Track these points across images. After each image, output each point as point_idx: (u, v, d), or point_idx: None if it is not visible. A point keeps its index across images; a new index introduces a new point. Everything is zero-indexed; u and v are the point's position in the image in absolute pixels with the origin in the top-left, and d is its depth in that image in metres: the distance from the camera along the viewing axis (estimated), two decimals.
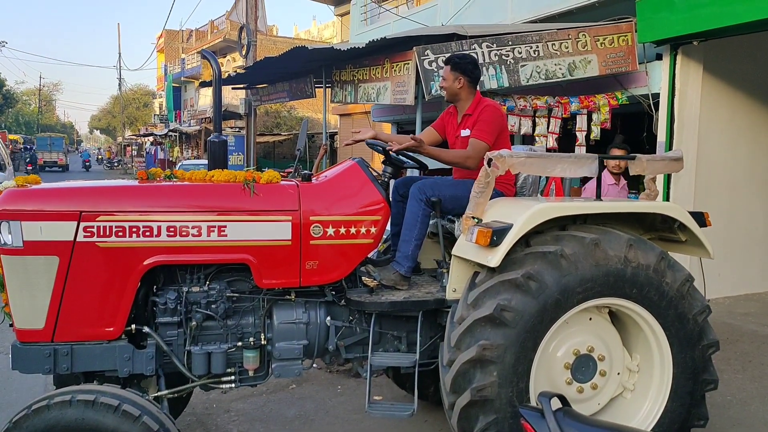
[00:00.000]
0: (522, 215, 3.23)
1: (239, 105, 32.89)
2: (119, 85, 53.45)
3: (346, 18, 27.49)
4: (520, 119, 8.03)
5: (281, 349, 3.65)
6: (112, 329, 3.40)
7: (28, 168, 36.44)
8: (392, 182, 4.08)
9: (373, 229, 3.68)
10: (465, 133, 4.06)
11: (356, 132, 4.14)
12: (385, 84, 8.62)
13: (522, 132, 8.14)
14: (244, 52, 12.54)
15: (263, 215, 3.54)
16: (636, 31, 7.39)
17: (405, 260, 3.85)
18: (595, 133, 8.02)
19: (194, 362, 3.55)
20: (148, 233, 3.37)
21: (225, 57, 39.09)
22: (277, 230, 3.54)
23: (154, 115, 55.27)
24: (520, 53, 7.43)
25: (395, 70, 8.28)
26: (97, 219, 3.31)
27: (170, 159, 32.66)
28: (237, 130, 32.06)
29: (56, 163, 43.36)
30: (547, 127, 8.09)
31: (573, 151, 8.04)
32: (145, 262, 3.40)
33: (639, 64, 7.65)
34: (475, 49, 7.37)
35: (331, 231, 3.60)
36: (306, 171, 3.89)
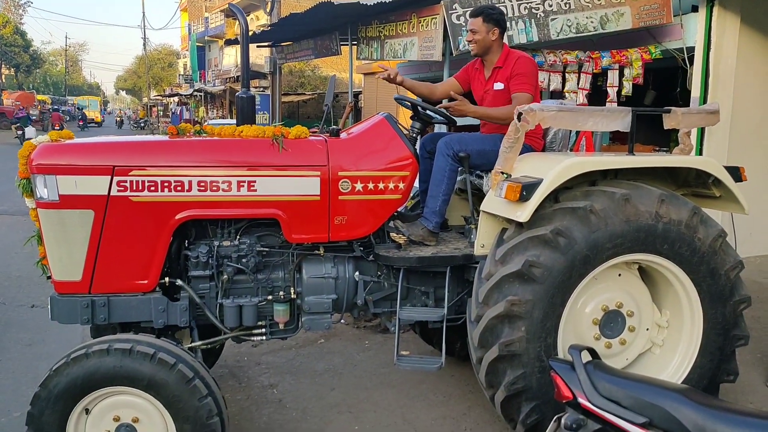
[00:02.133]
0: (552, 170, 3.18)
1: (264, 64, 32.84)
2: (144, 45, 53.40)
3: None
4: (550, 75, 7.85)
5: (311, 303, 3.70)
6: (146, 282, 3.47)
7: (79, 123, 43.38)
8: (419, 138, 4.04)
9: (401, 185, 3.67)
10: (498, 86, 3.96)
11: (384, 71, 4.09)
12: (411, 39, 8.47)
13: (551, 88, 7.97)
14: (268, 9, 12.40)
15: (292, 170, 3.55)
16: None
17: (433, 216, 3.84)
18: (627, 88, 7.80)
19: (226, 315, 3.62)
20: (179, 188, 3.41)
21: (248, 15, 38.73)
22: (306, 185, 3.55)
23: (179, 75, 55.32)
24: (550, 6, 7.23)
25: (422, 25, 8.12)
26: (129, 173, 3.35)
27: (195, 119, 32.76)
28: (261, 89, 31.97)
29: (94, 120, 50.97)
30: (578, 83, 7.91)
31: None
32: (176, 216, 3.45)
33: (674, 16, 7.38)
34: (504, 2, 7.18)
35: (359, 186, 3.60)
36: (334, 126, 3.87)
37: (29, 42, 50.72)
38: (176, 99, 46.82)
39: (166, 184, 3.40)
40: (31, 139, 3.57)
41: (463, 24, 7.12)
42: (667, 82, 8.59)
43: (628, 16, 7.37)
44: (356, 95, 26.78)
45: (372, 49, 9.93)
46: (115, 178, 3.34)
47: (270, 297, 3.70)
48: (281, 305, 3.69)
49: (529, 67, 3.90)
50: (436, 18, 7.74)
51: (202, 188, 3.44)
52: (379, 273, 3.85)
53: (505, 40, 7.25)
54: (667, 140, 7.85)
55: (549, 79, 7.87)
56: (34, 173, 3.31)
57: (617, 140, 8.44)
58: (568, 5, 7.25)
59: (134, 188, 3.37)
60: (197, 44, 41.36)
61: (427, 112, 3.94)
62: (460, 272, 3.82)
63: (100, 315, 3.44)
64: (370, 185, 3.62)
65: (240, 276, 3.67)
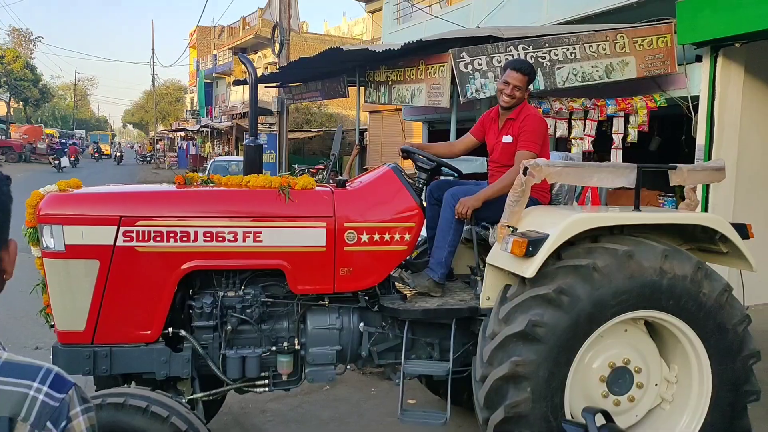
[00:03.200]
0: (558, 225, 3.20)
1: (271, 102, 33.23)
2: (153, 80, 54.25)
3: (378, 15, 27.53)
4: (556, 122, 7.92)
5: (314, 354, 3.69)
6: (149, 332, 3.47)
7: (95, 155, 49.10)
8: (425, 188, 4.07)
9: (407, 236, 3.69)
10: (507, 139, 3.99)
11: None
12: (419, 86, 8.60)
13: (557, 135, 8.05)
14: (276, 51, 12.63)
15: (298, 221, 3.58)
16: (675, 33, 7.24)
17: (438, 267, 3.85)
18: (632, 135, 7.89)
19: (229, 366, 3.60)
20: (185, 238, 3.43)
21: (256, 53, 39.39)
22: (312, 236, 3.57)
23: (186, 110, 56.01)
24: (556, 55, 7.35)
25: (430, 72, 8.26)
26: (136, 224, 3.38)
27: (201, 154, 33.07)
28: (268, 126, 32.29)
29: (105, 153, 55.78)
30: (583, 130, 7.99)
31: (609, 154, 7.95)
32: (182, 267, 3.46)
33: (678, 65, 7.50)
34: (511, 51, 7.30)
35: (365, 237, 3.62)
36: (341, 177, 3.91)
37: (39, 76, 51.61)
38: (182, 133, 47.35)
39: (172, 234, 3.42)
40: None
41: (471, 72, 7.23)
42: (674, 127, 8.67)
43: (633, 65, 7.49)
44: (362, 133, 27.08)
45: (380, 93, 10.09)
46: (122, 228, 3.37)
47: (274, 348, 3.68)
48: (285, 356, 3.67)
49: (535, 125, 3.92)
50: (444, 66, 7.86)
51: (208, 239, 3.46)
52: (383, 324, 3.84)
53: None
54: (672, 186, 7.86)
55: (555, 126, 7.94)
56: (41, 223, 3.34)
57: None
58: (573, 54, 7.37)
59: (140, 238, 3.39)
60: (205, 80, 41.95)
61: (432, 163, 3.97)
62: (466, 324, 3.81)
63: (102, 366, 3.43)
64: (376, 236, 3.64)
65: (244, 326, 3.66)
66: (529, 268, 3.17)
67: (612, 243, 3.33)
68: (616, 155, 7.90)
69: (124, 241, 3.38)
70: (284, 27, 12.45)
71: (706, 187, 6.87)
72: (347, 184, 3.83)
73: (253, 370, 3.62)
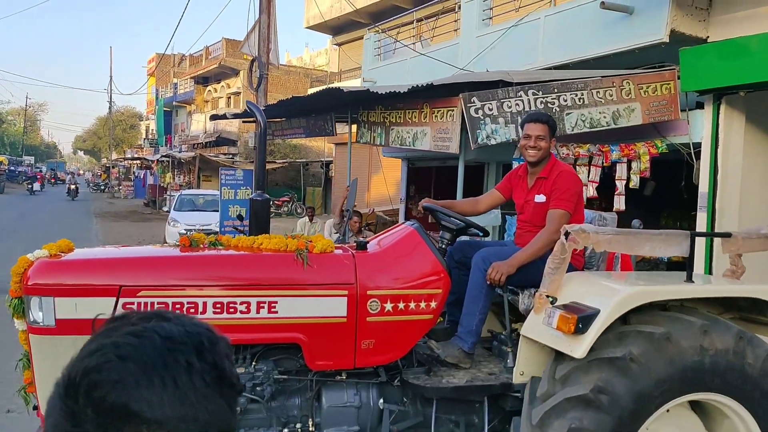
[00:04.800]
0: (610, 300, 3.00)
1: (235, 131, 32.93)
2: (110, 108, 53.36)
3: (347, 46, 27.64)
4: None
5: None
6: None
7: (52, 181, 53.09)
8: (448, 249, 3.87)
9: (433, 304, 3.48)
10: (539, 198, 3.82)
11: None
12: (423, 129, 8.44)
13: None
14: (255, 86, 12.41)
15: (317, 289, 3.34)
16: (679, 79, 7.30)
17: (469, 336, 3.63)
18: (635, 182, 7.92)
19: None
20: (192, 310, 3.16)
21: (219, 83, 39.20)
22: (332, 306, 3.34)
23: (144, 138, 55.17)
24: (565, 101, 7.32)
25: (436, 116, 8.11)
26: (137, 294, 3.11)
27: (161, 185, 32.41)
28: (230, 157, 31.95)
29: (60, 179, 57.70)
30: (588, 176, 7.99)
31: (613, 201, 7.95)
32: None
33: (681, 112, 7.57)
34: (521, 96, 7.25)
35: (389, 306, 3.39)
36: (361, 239, 3.68)
37: None
38: (138, 162, 46.46)
39: (178, 306, 3.15)
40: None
41: (482, 117, 7.13)
42: (670, 172, 8.71)
43: (639, 111, 7.52)
44: (327, 165, 26.95)
45: (375, 134, 9.87)
46: (121, 300, 3.09)
47: (285, 429, 3.39)
48: None
49: (569, 183, 3.78)
50: (453, 110, 7.72)
51: (218, 310, 3.19)
52: (405, 399, 3.59)
53: (521, 133, 7.28)
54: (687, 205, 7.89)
55: None
56: (28, 294, 3.04)
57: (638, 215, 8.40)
58: (582, 100, 7.36)
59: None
60: (164, 109, 41.42)
61: (457, 221, 3.78)
62: (494, 398, 3.58)
63: None
64: (401, 305, 3.41)
65: (253, 406, 3.37)
66: (580, 348, 2.95)
67: (645, 324, 3.12)
68: (620, 201, 7.88)
69: None
70: (263, 61, 12.25)
71: (710, 241, 6.82)
72: (367, 246, 3.60)
73: None
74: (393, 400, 3.56)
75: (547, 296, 3.24)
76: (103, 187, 49.45)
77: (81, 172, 70.75)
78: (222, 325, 3.17)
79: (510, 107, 7.18)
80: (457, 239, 3.94)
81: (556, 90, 7.35)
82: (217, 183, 27.18)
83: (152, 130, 53.49)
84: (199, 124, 37.99)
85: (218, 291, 3.21)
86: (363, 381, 3.52)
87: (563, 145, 7.91)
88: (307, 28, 27.75)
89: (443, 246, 3.76)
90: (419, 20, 15.21)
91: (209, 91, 40.75)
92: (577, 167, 7.93)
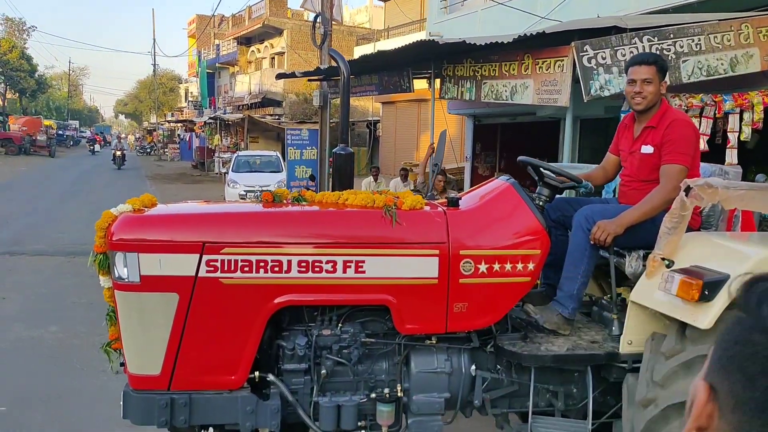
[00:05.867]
0: (741, 264, 2.74)
1: (279, 91, 32.89)
2: (154, 70, 53.97)
3: (390, 4, 27.08)
4: None
5: (419, 403, 3.29)
6: (234, 377, 3.11)
7: (101, 144, 55.20)
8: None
9: (531, 265, 3.27)
10: (646, 149, 3.50)
11: None
12: (524, 82, 8.14)
13: None
14: (319, 42, 12.24)
15: (407, 248, 3.19)
16: None
17: (569, 301, 3.43)
18: (746, 133, 7.50)
19: (322, 415, 3.21)
20: (277, 268, 3.06)
21: (263, 43, 39.07)
22: (423, 266, 3.18)
23: (188, 101, 55.67)
24: (681, 47, 6.98)
25: (540, 68, 7.80)
26: (221, 251, 3.02)
27: (209, 146, 32.76)
28: (276, 117, 31.94)
29: (108, 142, 61.48)
30: (699, 128, 7.58)
31: (723, 155, 7.55)
32: (274, 302, 3.09)
33: None
34: (635, 43, 6.91)
35: (483, 267, 3.21)
36: (453, 194, 3.50)
37: (35, 67, 51.31)
38: (181, 125, 46.96)
39: (262, 264, 3.05)
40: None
41: (594, 67, 6.85)
42: None
43: (757, 57, 7.17)
44: (374, 124, 26.71)
45: (463, 89, 9.58)
46: (205, 257, 3.01)
47: (372, 394, 3.29)
48: (386, 405, 3.27)
49: (685, 132, 3.41)
50: (562, 61, 7.44)
51: (303, 269, 3.08)
52: (498, 367, 3.44)
53: None
54: None
55: None
56: (113, 249, 3.00)
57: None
58: (699, 47, 7.02)
59: (226, 268, 3.02)
60: (207, 71, 41.60)
61: (557, 178, 3.55)
62: (597, 369, 3.39)
63: (180, 416, 3.06)
64: (496, 266, 3.23)
65: (339, 369, 3.28)
66: (706, 318, 2.70)
67: None
68: (731, 155, 7.49)
69: (208, 271, 3.01)
70: (326, 17, 12.05)
71: None
72: (459, 202, 3.42)
73: (349, 420, 3.23)
74: (486, 367, 3.42)
75: (663, 259, 3.01)
76: (149, 150, 50.31)
77: (123, 135, 72.27)
78: (307, 284, 3.09)
79: (624, 55, 6.85)
80: (556, 196, 3.71)
81: (671, 36, 7.01)
82: (264, 144, 27.53)
83: (192, 92, 54.00)
84: (243, 86, 38.10)
85: (303, 249, 3.09)
86: (454, 346, 3.38)
87: (675, 95, 7.51)
88: None
89: (540, 204, 3.54)
90: None
91: (252, 51, 40.72)
92: None
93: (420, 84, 13.07)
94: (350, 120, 29.17)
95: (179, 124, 48.34)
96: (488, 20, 11.91)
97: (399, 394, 3.29)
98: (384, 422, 3.29)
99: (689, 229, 3.38)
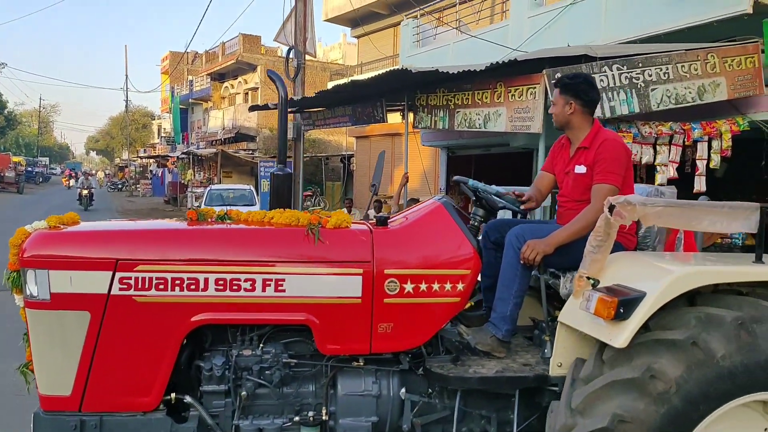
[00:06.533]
0: (659, 282, 2.72)
1: (253, 126, 33.03)
2: (126, 106, 54.09)
3: (363, 41, 27.53)
4: (642, 147, 7.72)
5: (346, 427, 3.24)
6: (148, 399, 3.06)
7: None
8: (482, 227, 3.64)
9: (460, 286, 3.27)
10: (579, 169, 3.52)
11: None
12: (497, 110, 8.32)
13: (644, 162, 7.84)
14: (292, 75, 12.38)
15: (329, 266, 3.18)
16: (763, 53, 7.21)
17: (503, 322, 3.40)
18: (715, 161, 7.76)
19: None
20: (193, 286, 3.05)
21: (236, 78, 39.30)
22: (346, 285, 3.17)
23: (161, 136, 55.74)
24: (650, 76, 7.23)
25: (513, 95, 8.00)
26: (135, 269, 3.00)
27: (182, 182, 32.68)
28: (250, 152, 32.01)
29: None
30: (668, 156, 7.82)
31: (693, 182, 7.75)
32: (190, 320, 3.06)
33: (766, 86, 7.42)
34: (605, 71, 7.15)
35: (409, 287, 3.21)
36: (382, 214, 3.50)
37: (4, 103, 51.21)
38: (153, 161, 46.79)
39: (177, 281, 3.03)
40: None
41: None
42: (747, 153, 8.48)
43: (724, 86, 7.43)
44: (348, 158, 26.86)
45: (436, 119, 9.72)
46: (118, 274, 2.99)
47: (297, 418, 3.24)
48: (310, 429, 3.22)
49: (615, 152, 3.42)
50: (534, 88, 7.65)
51: (221, 287, 3.07)
52: (430, 390, 3.39)
53: (607, 111, 6.73)
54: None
55: (641, 152, 7.73)
56: (24, 267, 2.98)
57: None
58: (666, 75, 7.27)
59: (140, 286, 3.00)
60: (180, 106, 41.72)
61: (492, 197, 3.54)
62: (530, 393, 3.33)
63: None
64: (423, 286, 3.22)
65: (262, 391, 3.23)
66: (620, 337, 2.68)
67: (717, 307, 2.79)
68: (700, 182, 7.69)
69: (121, 289, 2.99)
70: (299, 50, 12.22)
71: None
72: (389, 222, 3.42)
73: None
74: (417, 391, 3.38)
75: (588, 278, 3.01)
76: (120, 186, 50.11)
77: (92, 171, 72.46)
78: (224, 303, 3.07)
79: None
80: (496, 219, 3.71)
81: (640, 64, 7.28)
82: (238, 178, 27.50)
83: (165, 129, 54.14)
84: (216, 121, 38.17)
85: (220, 267, 3.07)
86: (383, 368, 3.34)
87: (645, 123, 7.73)
88: (325, 21, 27.73)
89: (476, 224, 3.54)
90: (462, 1, 14.89)
91: (226, 87, 40.92)
92: (658, 146, 7.80)
93: (394, 118, 13.23)
94: (324, 155, 29.22)
95: (152, 160, 48.20)
96: (460, 53, 12.15)
97: (324, 418, 3.24)
98: None
99: (624, 250, 3.40)
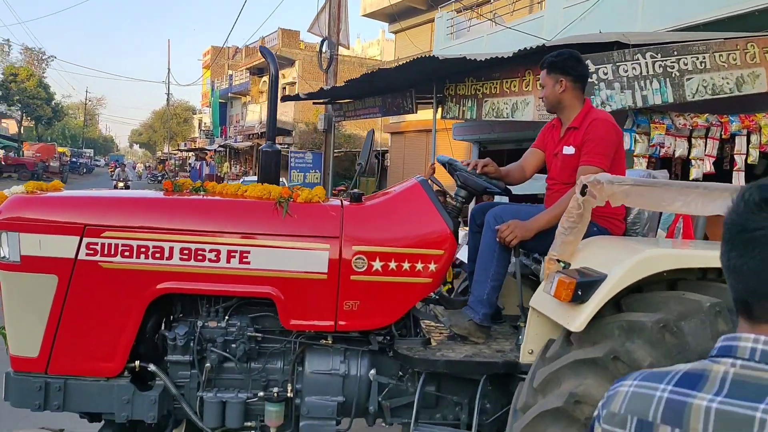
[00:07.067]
0: (621, 264, 2.62)
1: (288, 120, 33.34)
2: (167, 99, 55.18)
3: (400, 36, 27.48)
4: (676, 140, 7.49)
5: (311, 405, 3.24)
6: (111, 365, 3.11)
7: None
8: (469, 209, 3.58)
9: (432, 266, 3.22)
10: (568, 150, 3.41)
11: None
12: (525, 98, 8.26)
13: (677, 154, 7.62)
14: (324, 66, 12.48)
15: (295, 240, 3.18)
16: None
17: (479, 306, 3.34)
18: (754, 156, 7.47)
19: (206, 411, 3.18)
20: (158, 255, 3.09)
21: None
22: (311, 260, 3.17)
23: (200, 130, 56.79)
24: (685, 65, 7.01)
25: (540, 84, 7.92)
26: (101, 235, 3.06)
27: (218, 174, 33.18)
28: (285, 146, 32.30)
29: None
30: (704, 149, 7.56)
31: (730, 178, 7.46)
32: (154, 288, 3.10)
33: None
34: (638, 59, 6.98)
35: (378, 265, 3.19)
36: (356, 190, 3.48)
37: (52, 95, 52.74)
38: (192, 154, 47.66)
39: (143, 249, 3.08)
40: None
41: (596, 82, 6.91)
42: None
43: (764, 78, 7.21)
44: (382, 154, 26.87)
45: (464, 108, 9.69)
46: (85, 240, 3.05)
47: (262, 393, 3.25)
48: (274, 405, 3.23)
49: (603, 132, 3.32)
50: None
51: (185, 257, 3.10)
52: (400, 373, 3.36)
53: (639, 100, 6.57)
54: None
55: (675, 145, 7.51)
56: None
57: None
58: (703, 64, 7.05)
59: (106, 252, 3.06)
60: (219, 100, 42.37)
61: (475, 178, 3.44)
62: (505, 381, 3.25)
63: (54, 401, 3.08)
64: (392, 264, 3.20)
65: (228, 365, 3.25)
66: (577, 320, 2.58)
67: (694, 293, 2.63)
68: (739, 178, 7.40)
69: (87, 254, 3.05)
70: (333, 41, 12.32)
71: None
72: (363, 198, 3.41)
73: (234, 418, 3.20)
74: (387, 373, 3.35)
75: (559, 261, 2.94)
76: (160, 178, 51.28)
77: (132, 163, 74.77)
78: (189, 272, 3.11)
79: (626, 71, 6.92)
80: (484, 201, 3.65)
81: (675, 53, 7.06)
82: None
83: (205, 123, 55.15)
84: (254, 115, 38.61)
85: (186, 236, 3.11)
86: (352, 348, 3.32)
87: (679, 114, 7.49)
88: (363, 16, 27.72)
89: (458, 205, 3.46)
90: None
91: (264, 81, 41.36)
92: (693, 139, 7.56)
93: (427, 114, 13.19)
94: (357, 150, 29.08)
95: (191, 153, 49.05)
96: (494, 45, 12.04)
97: (289, 395, 3.25)
98: (272, 423, 3.24)
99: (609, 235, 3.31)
